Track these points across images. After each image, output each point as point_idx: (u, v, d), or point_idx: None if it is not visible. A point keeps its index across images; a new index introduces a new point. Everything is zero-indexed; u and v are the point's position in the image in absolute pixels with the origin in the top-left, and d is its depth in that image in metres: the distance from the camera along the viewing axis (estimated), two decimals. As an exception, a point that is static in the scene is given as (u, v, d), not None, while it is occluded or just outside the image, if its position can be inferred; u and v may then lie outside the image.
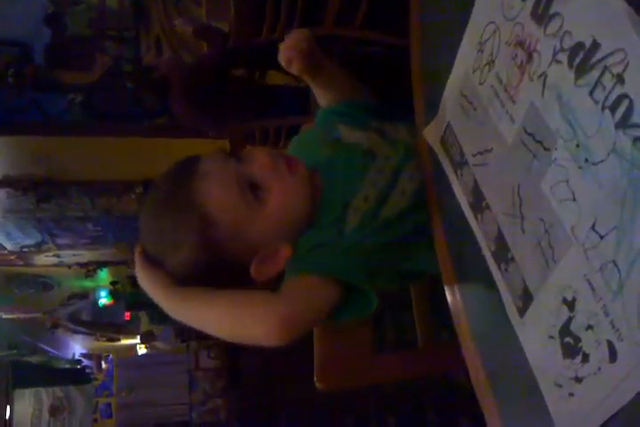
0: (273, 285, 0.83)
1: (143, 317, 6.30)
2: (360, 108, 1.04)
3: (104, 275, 5.31)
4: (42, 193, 3.54)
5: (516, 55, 0.63)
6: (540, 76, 0.58)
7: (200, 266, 0.81)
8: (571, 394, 0.54)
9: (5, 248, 4.46)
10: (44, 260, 4.83)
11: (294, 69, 0.94)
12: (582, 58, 0.52)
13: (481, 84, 0.71)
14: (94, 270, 5.06)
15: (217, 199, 0.81)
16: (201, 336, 5.92)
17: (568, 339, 0.54)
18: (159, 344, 6.33)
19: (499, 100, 0.67)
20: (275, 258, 0.82)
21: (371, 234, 0.84)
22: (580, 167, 0.53)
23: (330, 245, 0.82)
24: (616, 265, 0.48)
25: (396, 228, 0.86)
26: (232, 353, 6.15)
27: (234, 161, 0.85)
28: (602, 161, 0.50)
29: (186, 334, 5.94)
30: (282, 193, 0.83)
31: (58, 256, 4.79)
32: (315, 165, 0.92)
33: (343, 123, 0.99)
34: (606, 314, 0.49)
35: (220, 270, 0.82)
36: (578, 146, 0.53)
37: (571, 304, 0.54)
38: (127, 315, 6.26)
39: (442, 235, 0.83)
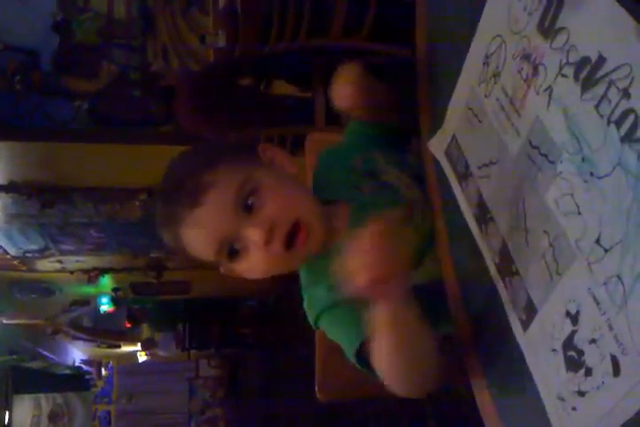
0: None
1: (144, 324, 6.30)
2: (394, 132, 1.00)
3: (106, 281, 5.31)
4: (46, 199, 3.55)
5: (522, 68, 0.63)
6: (545, 89, 0.59)
7: None
8: (573, 408, 0.54)
9: (8, 253, 4.46)
10: (46, 265, 4.82)
11: (347, 107, 0.90)
12: (588, 72, 0.52)
13: (486, 96, 0.71)
14: (96, 277, 5.06)
15: (192, 244, 0.82)
16: (201, 345, 5.91)
17: (571, 352, 0.54)
18: (160, 352, 6.31)
19: (504, 112, 0.67)
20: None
21: None
22: (585, 181, 0.53)
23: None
24: (620, 279, 0.48)
25: (424, 300, 0.78)
26: (232, 363, 6.13)
27: (238, 210, 0.80)
28: (607, 175, 0.50)
29: (186, 342, 5.93)
30: (255, 262, 0.81)
31: (60, 262, 4.79)
32: (343, 193, 0.89)
33: (381, 153, 0.95)
34: (610, 328, 0.49)
35: None
36: (583, 159, 0.53)
37: (574, 318, 0.54)
38: (128, 323, 6.25)
39: (446, 247, 0.83)
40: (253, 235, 0.79)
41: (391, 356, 0.70)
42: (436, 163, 0.86)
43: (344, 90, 0.88)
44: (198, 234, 0.81)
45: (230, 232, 0.79)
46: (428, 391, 0.75)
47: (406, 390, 0.74)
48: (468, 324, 0.76)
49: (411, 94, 0.97)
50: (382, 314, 0.67)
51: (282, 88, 2.45)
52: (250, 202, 0.79)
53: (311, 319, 0.86)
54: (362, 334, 0.73)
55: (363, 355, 0.75)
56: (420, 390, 0.75)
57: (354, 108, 0.92)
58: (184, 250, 0.83)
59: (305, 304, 0.88)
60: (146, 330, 6.46)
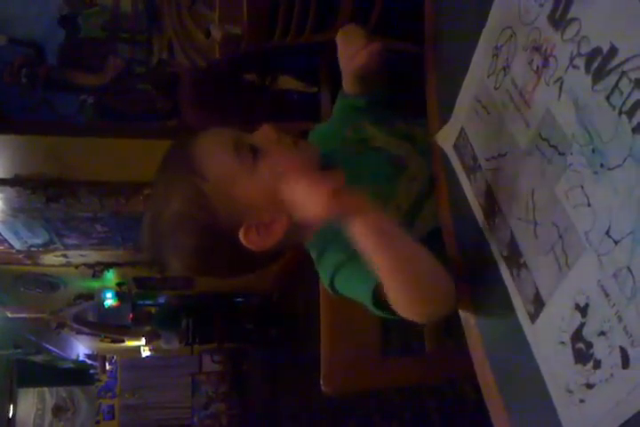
0: (272, 261, 0.83)
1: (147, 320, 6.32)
2: (382, 104, 1.02)
3: (111, 276, 5.32)
4: (51, 193, 3.55)
5: (533, 60, 0.63)
6: (556, 80, 0.58)
7: (191, 225, 0.80)
8: (581, 400, 0.54)
9: (13, 247, 4.48)
10: (51, 260, 4.84)
11: (355, 64, 0.91)
12: (600, 63, 0.52)
13: (496, 88, 0.71)
14: (101, 271, 5.08)
15: (210, 153, 0.81)
16: (204, 340, 5.93)
17: (580, 345, 0.54)
18: (163, 345, 6.33)
19: (514, 104, 0.66)
20: (270, 228, 0.78)
21: None
22: (595, 172, 0.52)
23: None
24: (630, 271, 0.48)
25: (432, 246, 0.82)
26: (235, 358, 6.15)
27: (241, 130, 0.85)
28: (618, 166, 0.50)
29: (190, 337, 5.95)
30: (279, 158, 0.81)
31: (65, 256, 4.80)
32: (337, 162, 0.90)
33: (370, 122, 0.98)
34: (619, 320, 0.49)
35: (214, 236, 0.80)
36: (594, 151, 0.53)
37: (583, 310, 0.54)
38: (132, 317, 6.27)
39: (453, 239, 0.83)
40: (265, 130, 0.82)
41: (390, 272, 0.69)
42: (444, 156, 0.85)
43: (363, 57, 0.89)
44: (211, 137, 0.82)
45: (244, 136, 0.82)
46: (444, 312, 0.73)
47: (419, 312, 0.73)
48: (475, 316, 0.75)
49: (416, 96, 0.98)
50: (359, 228, 0.68)
51: (287, 83, 2.45)
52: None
53: (327, 286, 0.86)
54: (374, 278, 0.73)
55: (380, 300, 0.75)
56: (435, 310, 0.73)
57: (366, 70, 0.92)
58: (197, 171, 0.80)
59: (320, 275, 0.88)
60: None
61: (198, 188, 0.79)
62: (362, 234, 0.68)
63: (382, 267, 0.69)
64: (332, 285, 0.85)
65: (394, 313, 0.74)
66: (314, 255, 0.89)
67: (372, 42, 0.89)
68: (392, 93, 1.04)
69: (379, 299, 0.75)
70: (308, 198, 0.68)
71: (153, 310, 6.22)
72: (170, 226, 0.81)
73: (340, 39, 0.94)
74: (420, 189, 0.87)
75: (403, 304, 0.71)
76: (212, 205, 0.79)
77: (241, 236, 0.78)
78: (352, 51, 0.90)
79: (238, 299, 5.90)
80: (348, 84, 1.00)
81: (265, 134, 0.83)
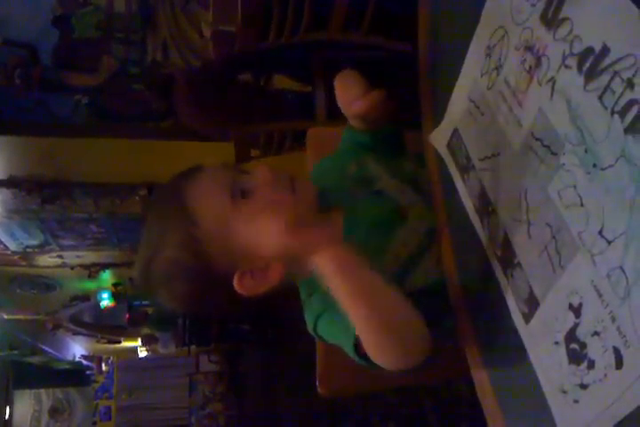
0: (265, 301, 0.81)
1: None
2: (389, 141, 1.00)
3: (106, 277, 5.31)
4: (46, 194, 3.54)
5: (525, 60, 0.63)
6: (548, 80, 0.58)
7: (185, 271, 0.79)
8: (575, 401, 0.54)
9: (9, 248, 4.46)
10: (47, 261, 4.83)
11: (353, 111, 0.91)
12: (592, 63, 0.52)
13: (489, 88, 0.71)
14: (97, 272, 5.06)
15: (204, 198, 0.80)
16: (200, 341, 5.92)
17: (574, 345, 0.54)
18: (160, 349, 6.33)
19: (507, 104, 0.66)
20: (264, 274, 0.77)
21: None
22: (587, 172, 0.52)
23: None
24: (623, 271, 0.48)
25: (425, 301, 0.79)
26: (232, 358, 6.14)
27: (236, 171, 0.83)
28: (610, 166, 0.49)
29: (186, 337, 5.94)
30: (272, 202, 0.80)
31: (61, 257, 4.79)
32: (338, 200, 0.89)
33: (374, 159, 0.95)
34: (613, 320, 0.49)
35: (207, 281, 0.79)
36: (586, 151, 0.52)
37: (577, 310, 0.54)
38: (128, 317, 6.26)
39: (447, 239, 0.82)
40: (261, 171, 0.81)
41: (355, 310, 0.68)
42: (438, 156, 0.85)
43: (356, 102, 0.88)
44: (205, 182, 0.81)
45: (238, 179, 0.81)
46: (417, 361, 0.70)
47: (391, 360, 0.70)
48: (469, 317, 0.75)
49: (408, 95, 0.97)
50: (320, 263, 0.67)
51: (282, 83, 2.44)
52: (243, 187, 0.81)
53: (311, 330, 0.86)
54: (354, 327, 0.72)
55: (361, 349, 0.74)
56: (407, 358, 0.70)
57: (365, 117, 0.92)
58: (190, 217, 0.79)
59: (306, 318, 0.87)
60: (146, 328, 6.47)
61: (191, 234, 0.78)
62: (324, 269, 0.67)
63: (347, 305, 0.68)
64: (315, 330, 0.85)
65: (373, 364, 0.72)
66: (302, 296, 0.88)
67: (370, 91, 0.88)
68: (397, 130, 1.02)
69: (360, 349, 0.74)
70: (265, 231, 0.68)
71: (150, 310, 6.21)
72: (163, 272, 0.80)
73: (337, 85, 0.93)
74: (419, 242, 0.85)
75: (372, 348, 0.70)
76: (206, 250, 0.78)
77: (235, 282, 0.77)
78: (350, 98, 0.89)
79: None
80: (352, 122, 0.98)
81: (261, 176, 0.81)
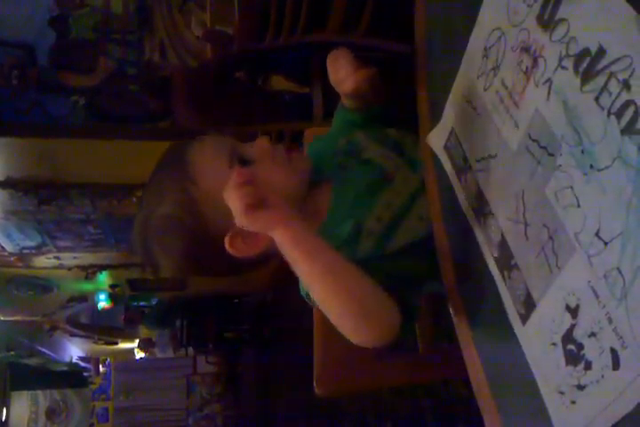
0: (258, 265, 0.84)
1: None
2: (377, 116, 1.03)
3: (104, 278, 5.31)
4: (43, 195, 3.54)
5: (522, 61, 0.63)
6: (545, 81, 0.58)
7: (180, 228, 0.82)
8: (573, 402, 0.54)
9: (5, 249, 4.46)
10: (44, 262, 4.82)
11: (344, 89, 0.94)
12: (588, 64, 0.52)
13: (486, 89, 0.71)
14: (94, 273, 5.06)
15: (203, 160, 0.84)
16: (198, 342, 5.92)
17: (571, 346, 0.54)
18: (158, 353, 6.32)
19: (503, 105, 0.66)
20: (255, 237, 0.78)
21: (385, 262, 0.82)
22: (584, 173, 0.52)
23: None
24: (620, 272, 0.48)
25: (410, 258, 0.83)
26: (230, 359, 6.14)
27: (237, 141, 0.88)
28: (607, 167, 0.49)
29: (184, 339, 5.94)
30: (270, 169, 0.84)
31: (58, 258, 4.79)
32: (328, 174, 0.91)
33: (363, 131, 0.99)
34: (610, 321, 0.49)
35: (201, 241, 0.82)
36: (583, 152, 0.53)
37: (574, 311, 0.54)
38: (124, 318, 6.25)
39: (444, 240, 0.83)
40: (259, 140, 0.85)
41: (315, 285, 0.70)
42: (435, 157, 0.85)
43: (347, 79, 0.92)
44: (207, 145, 0.86)
45: (238, 146, 0.85)
46: (381, 339, 0.71)
47: (353, 338, 0.71)
48: (467, 318, 0.75)
49: (402, 87, 0.98)
50: (279, 241, 0.69)
51: (279, 84, 2.44)
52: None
53: (304, 295, 0.86)
54: None
55: None
56: (368, 337, 0.71)
57: (356, 94, 0.95)
58: (189, 176, 0.82)
59: (300, 286, 0.88)
60: (143, 329, 6.47)
61: (189, 193, 0.82)
62: (282, 247, 0.69)
63: (303, 272, 0.70)
64: (308, 296, 0.85)
65: None
66: None
67: (360, 68, 0.91)
68: (388, 110, 1.04)
69: None
70: (235, 211, 0.70)
71: (147, 310, 6.20)
72: (159, 227, 0.84)
73: (329, 64, 0.95)
74: (403, 203, 0.88)
75: (333, 316, 0.71)
76: (201, 210, 0.81)
77: (226, 243, 0.78)
78: (341, 76, 0.93)
79: (233, 300, 5.89)
80: (344, 100, 1.02)
81: (259, 147, 0.85)
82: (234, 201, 0.69)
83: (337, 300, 0.70)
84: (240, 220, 0.69)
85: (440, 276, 0.81)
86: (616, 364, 0.48)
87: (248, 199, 0.68)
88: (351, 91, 0.93)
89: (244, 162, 0.84)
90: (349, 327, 0.71)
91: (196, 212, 0.81)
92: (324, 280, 0.70)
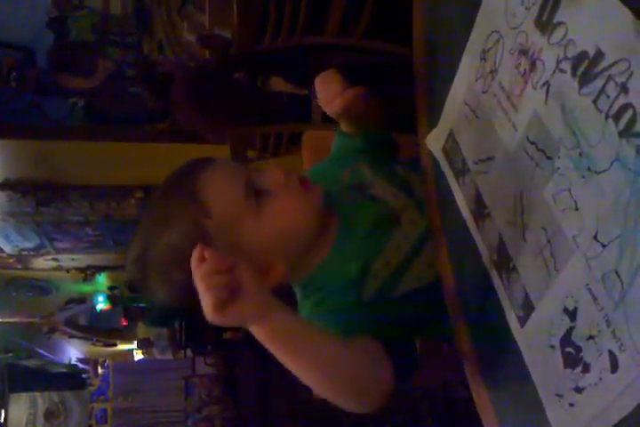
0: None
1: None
2: (381, 144, 1.01)
3: (102, 280, 5.30)
4: (42, 197, 3.54)
5: (520, 64, 0.63)
6: (543, 84, 0.58)
7: (185, 260, 0.73)
8: (571, 404, 0.54)
9: (4, 251, 4.45)
10: (42, 264, 4.81)
11: (333, 109, 0.93)
12: (586, 67, 0.52)
13: (484, 92, 0.71)
14: (93, 275, 5.05)
15: (219, 191, 0.78)
16: (197, 344, 5.90)
17: (569, 349, 0.54)
18: (157, 353, 6.31)
19: (501, 108, 0.66)
20: (266, 274, 0.76)
21: (389, 306, 0.81)
22: (582, 176, 0.52)
23: (350, 310, 0.80)
24: (618, 275, 0.48)
25: (414, 305, 0.82)
26: (229, 361, 6.13)
27: (250, 169, 0.83)
28: (605, 170, 0.49)
29: (182, 340, 5.92)
30: (286, 202, 0.80)
31: (56, 260, 4.78)
32: (333, 208, 0.88)
33: (368, 164, 0.95)
34: (608, 324, 0.49)
35: None
36: (581, 155, 0.53)
37: (572, 314, 0.54)
38: (124, 320, 6.24)
39: (443, 243, 0.83)
40: (274, 172, 0.80)
41: (298, 373, 0.67)
42: (434, 159, 0.85)
43: (335, 100, 0.92)
44: (222, 175, 0.80)
45: (253, 177, 0.80)
46: (374, 407, 0.71)
47: (345, 407, 0.71)
48: (465, 320, 0.75)
49: (405, 99, 0.98)
50: (256, 335, 0.65)
51: (279, 85, 2.44)
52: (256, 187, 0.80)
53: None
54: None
55: None
56: (359, 408, 0.71)
57: (345, 116, 0.95)
58: (202, 207, 0.76)
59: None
60: (142, 329, 6.45)
61: (201, 224, 0.76)
62: (259, 339, 0.66)
63: (291, 369, 0.67)
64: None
65: None
66: (298, 297, 0.89)
67: (348, 89, 0.91)
68: (388, 134, 1.03)
69: None
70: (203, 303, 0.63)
71: (147, 306, 6.18)
72: (162, 257, 0.78)
73: (318, 85, 0.95)
74: (412, 246, 0.85)
75: (323, 395, 0.69)
76: (211, 243, 0.74)
77: None
78: (329, 96, 0.92)
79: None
80: (342, 125, 1.00)
81: (273, 177, 0.81)
82: (202, 291, 0.61)
83: (322, 387, 0.68)
84: (207, 315, 0.62)
85: (444, 320, 0.80)
86: (614, 366, 0.48)
87: (219, 293, 0.61)
88: (340, 110, 0.92)
89: (258, 192, 0.79)
90: (341, 404, 0.70)
91: (204, 244, 0.72)
92: (306, 369, 0.67)
